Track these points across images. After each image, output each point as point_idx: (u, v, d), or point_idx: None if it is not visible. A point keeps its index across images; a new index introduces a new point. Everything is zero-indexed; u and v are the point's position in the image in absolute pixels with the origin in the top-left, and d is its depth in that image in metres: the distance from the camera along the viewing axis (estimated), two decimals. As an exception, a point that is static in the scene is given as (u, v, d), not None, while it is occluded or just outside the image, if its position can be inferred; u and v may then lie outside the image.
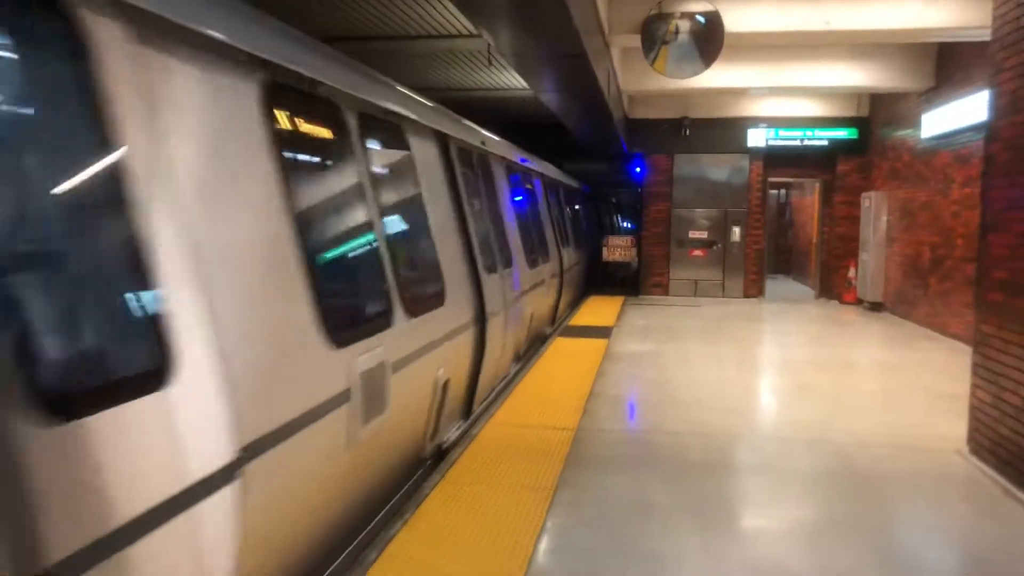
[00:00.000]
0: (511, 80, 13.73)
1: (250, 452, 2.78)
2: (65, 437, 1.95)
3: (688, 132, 16.30)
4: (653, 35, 9.30)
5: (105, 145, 2.31)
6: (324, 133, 4.19)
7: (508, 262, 8.12)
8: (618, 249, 17.83)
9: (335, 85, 4.10)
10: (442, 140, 6.37)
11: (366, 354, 3.93)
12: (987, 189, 5.65)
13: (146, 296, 2.39)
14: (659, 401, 7.39)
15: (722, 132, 16.24)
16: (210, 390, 2.59)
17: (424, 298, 5.22)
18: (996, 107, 5.52)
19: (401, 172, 5.42)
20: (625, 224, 22.25)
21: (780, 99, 15.76)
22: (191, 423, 2.47)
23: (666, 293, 16.68)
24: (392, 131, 5.19)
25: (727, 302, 15.93)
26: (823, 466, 5.55)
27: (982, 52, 10.45)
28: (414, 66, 12.69)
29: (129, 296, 2.41)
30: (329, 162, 4.28)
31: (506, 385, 7.90)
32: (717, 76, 11.73)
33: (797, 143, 16.04)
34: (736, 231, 16.46)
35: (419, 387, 4.96)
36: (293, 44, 3.77)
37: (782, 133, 16.06)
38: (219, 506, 2.58)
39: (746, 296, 16.47)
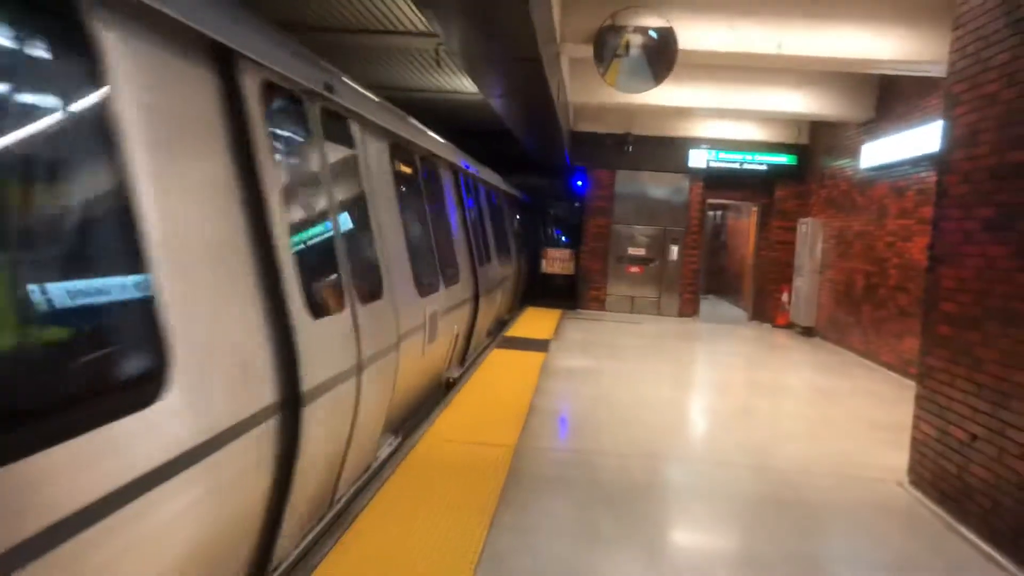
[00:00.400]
0: (459, 83, 13.47)
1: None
2: None
3: (631, 148, 16.29)
4: (605, 47, 9.16)
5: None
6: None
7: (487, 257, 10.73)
8: (557, 261, 17.71)
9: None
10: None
11: (429, 304, 6.47)
12: (939, 220, 5.63)
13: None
14: (601, 420, 7.19)
15: (664, 150, 16.29)
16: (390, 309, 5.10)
17: (451, 276, 7.84)
18: (952, 139, 5.50)
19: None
20: (562, 236, 22.17)
21: (723, 121, 15.89)
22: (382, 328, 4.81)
23: (603, 308, 16.60)
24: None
25: (663, 320, 15.94)
26: (769, 494, 5.42)
27: (922, 87, 10.69)
28: (358, 62, 12.32)
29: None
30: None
31: (443, 396, 7.61)
32: (663, 94, 11.71)
33: (737, 166, 16.19)
34: (674, 250, 16.50)
35: (448, 330, 7.46)
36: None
37: (723, 155, 16.18)
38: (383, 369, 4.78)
39: (681, 315, 16.52)
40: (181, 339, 2.58)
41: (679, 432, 7.29)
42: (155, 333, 2.48)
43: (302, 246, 3.84)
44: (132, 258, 2.44)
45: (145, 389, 2.42)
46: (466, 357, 9.35)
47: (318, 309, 3.80)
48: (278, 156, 3.70)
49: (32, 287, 2.18)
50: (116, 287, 2.47)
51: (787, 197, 16.07)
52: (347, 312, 4.26)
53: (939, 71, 9.36)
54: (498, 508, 4.69)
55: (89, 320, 2.38)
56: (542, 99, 9.46)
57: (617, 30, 9.04)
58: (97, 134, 2.39)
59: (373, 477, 5.12)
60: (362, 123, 5.05)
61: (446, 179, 8.62)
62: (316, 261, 4.07)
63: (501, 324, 12.53)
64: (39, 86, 2.30)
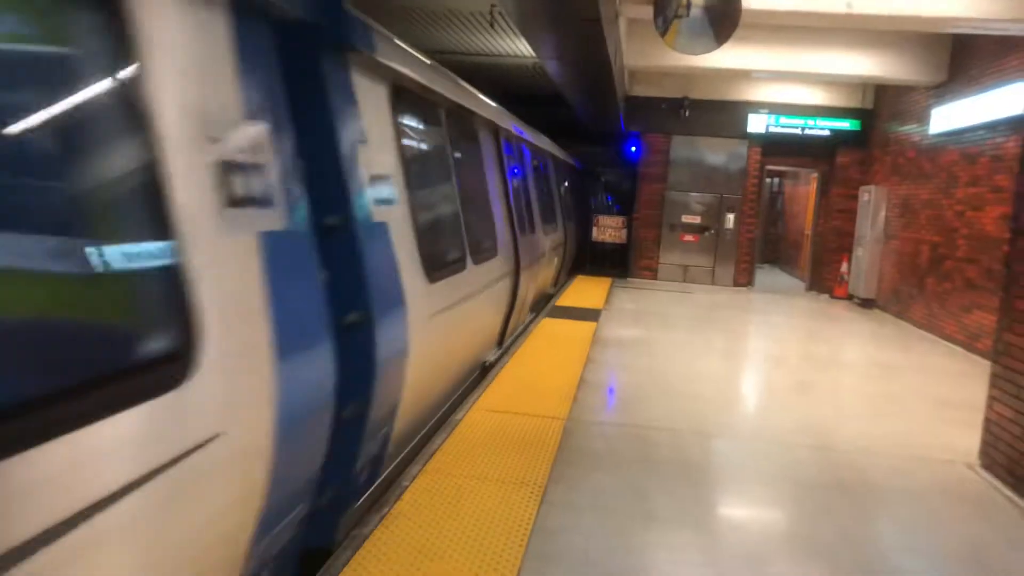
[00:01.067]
0: (512, 46, 13.19)
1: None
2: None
3: (688, 113, 15.82)
4: (666, 7, 8.82)
5: None
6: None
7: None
8: (609, 229, 17.41)
9: None
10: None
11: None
12: (1023, 189, 5.28)
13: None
14: (653, 393, 7.01)
15: (722, 115, 15.80)
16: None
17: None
18: (1041, 102, 5.13)
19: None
20: (615, 204, 21.82)
21: (783, 85, 15.33)
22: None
23: (655, 277, 16.30)
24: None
25: (717, 290, 15.60)
26: (830, 475, 5.20)
27: (1000, 47, 10.11)
28: (410, 24, 12.12)
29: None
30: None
31: (491, 367, 7.50)
32: (723, 56, 11.27)
33: (798, 131, 15.63)
34: (730, 218, 16.08)
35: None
36: None
37: (783, 120, 15.63)
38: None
39: (736, 285, 16.14)
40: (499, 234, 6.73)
41: (734, 407, 7.08)
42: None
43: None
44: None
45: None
46: (504, 338, 8.43)
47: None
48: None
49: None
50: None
51: (849, 164, 15.50)
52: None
53: (1020, 30, 8.84)
54: (548, 484, 4.57)
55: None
56: (599, 62, 9.17)
57: (678, -11, 8.68)
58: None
59: (421, 448, 5.04)
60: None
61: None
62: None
63: (548, 297, 12.35)
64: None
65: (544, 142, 12.01)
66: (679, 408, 6.55)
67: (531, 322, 10.08)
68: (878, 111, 14.98)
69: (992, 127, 10.15)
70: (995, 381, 5.43)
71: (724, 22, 8.74)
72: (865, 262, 14.19)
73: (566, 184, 16.14)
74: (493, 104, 8.18)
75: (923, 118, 12.53)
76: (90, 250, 2.03)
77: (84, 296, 2.10)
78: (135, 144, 2.18)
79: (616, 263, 17.18)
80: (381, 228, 4.00)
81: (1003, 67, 10.09)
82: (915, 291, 12.28)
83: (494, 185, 7.87)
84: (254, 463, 2.64)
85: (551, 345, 8.62)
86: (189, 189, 2.31)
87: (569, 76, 10.89)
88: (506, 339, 8.31)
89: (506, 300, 7.99)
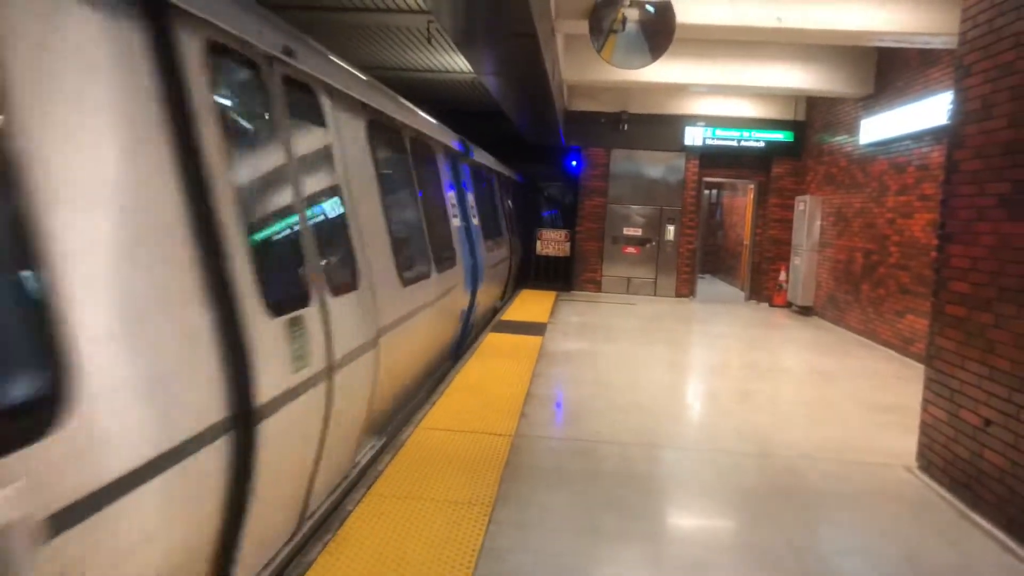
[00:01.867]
0: (450, 61, 13.20)
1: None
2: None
3: (626, 127, 16.04)
4: (601, 23, 8.91)
5: None
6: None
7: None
8: (552, 243, 17.46)
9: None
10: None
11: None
12: (949, 197, 5.44)
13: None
14: (599, 407, 7.02)
15: (660, 128, 16.04)
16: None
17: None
18: (962, 112, 5.30)
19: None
20: (557, 217, 21.92)
21: (718, 98, 15.66)
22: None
23: (599, 290, 16.42)
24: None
25: (659, 301, 15.77)
26: (772, 481, 5.27)
27: (923, 60, 10.47)
28: (347, 40, 12.03)
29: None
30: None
31: (436, 384, 7.43)
32: (659, 71, 11.48)
33: (734, 143, 15.96)
34: (671, 229, 16.30)
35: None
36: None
37: (719, 132, 15.94)
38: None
39: (678, 295, 16.35)
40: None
41: (678, 418, 7.13)
42: None
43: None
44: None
45: None
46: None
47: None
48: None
49: None
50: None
51: (784, 174, 15.87)
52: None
53: (941, 43, 9.17)
54: (496, 503, 4.52)
55: None
56: (537, 76, 9.22)
57: (613, 4, 8.78)
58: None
59: (365, 472, 4.94)
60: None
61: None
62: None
63: (495, 310, 12.40)
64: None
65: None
66: (625, 420, 6.57)
67: (476, 337, 10.03)
68: (810, 122, 15.37)
69: (918, 137, 10.49)
70: (929, 384, 5.57)
71: (659, 37, 8.87)
72: (802, 270, 14.50)
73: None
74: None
75: (853, 129, 12.89)
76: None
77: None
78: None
79: (560, 276, 17.25)
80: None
81: (927, 79, 10.44)
82: (851, 298, 12.59)
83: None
84: None
85: (497, 360, 8.58)
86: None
87: (508, 91, 10.92)
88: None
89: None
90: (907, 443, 6.02)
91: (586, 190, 16.49)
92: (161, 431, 2.40)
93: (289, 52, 3.75)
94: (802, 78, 12.55)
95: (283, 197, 3.69)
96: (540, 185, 21.46)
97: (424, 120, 7.41)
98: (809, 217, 14.39)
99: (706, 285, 18.89)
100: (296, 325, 3.43)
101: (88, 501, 2.05)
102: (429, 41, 11.37)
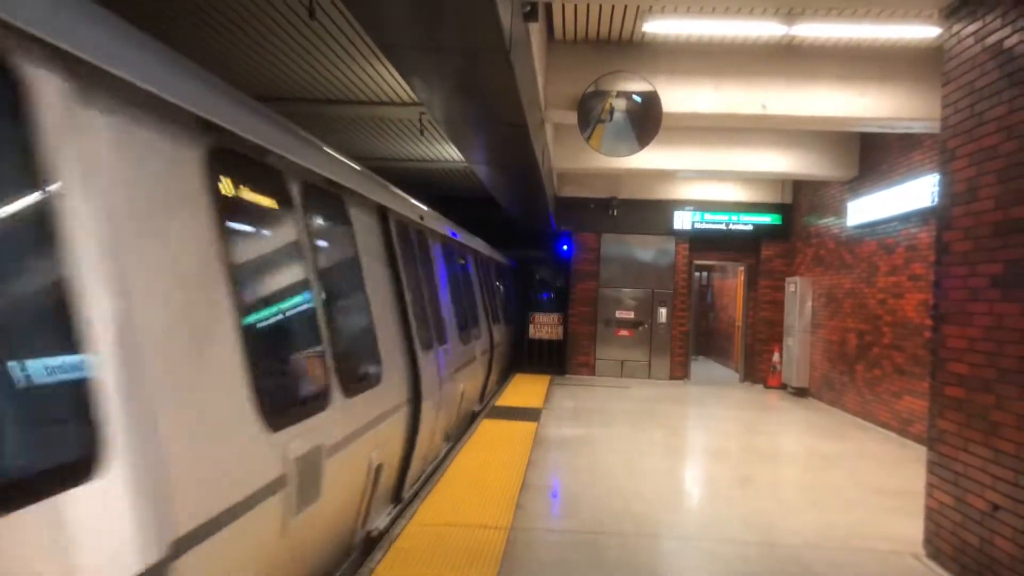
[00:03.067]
0: (442, 151, 13.45)
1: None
2: None
3: (616, 212, 16.25)
4: (589, 112, 9.11)
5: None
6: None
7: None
8: (545, 327, 17.45)
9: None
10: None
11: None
12: (941, 278, 5.46)
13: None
14: (598, 495, 6.86)
15: (649, 213, 16.26)
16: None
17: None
18: (950, 194, 5.37)
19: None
20: (549, 301, 21.96)
21: (706, 183, 15.92)
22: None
23: (593, 373, 16.32)
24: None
25: (654, 383, 15.66)
26: (779, 573, 5.10)
27: (905, 143, 10.71)
28: (341, 132, 12.26)
29: None
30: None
31: (433, 471, 7.27)
32: (647, 157, 11.65)
33: (722, 227, 16.17)
34: (662, 312, 16.32)
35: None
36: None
37: (708, 216, 16.17)
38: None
39: (672, 378, 16.25)
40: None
41: (680, 506, 6.97)
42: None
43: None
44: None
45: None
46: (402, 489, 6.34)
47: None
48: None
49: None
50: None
51: (773, 256, 16.02)
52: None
53: (922, 127, 9.38)
54: (494, 600, 4.35)
55: None
56: (527, 165, 9.37)
57: (601, 95, 8.99)
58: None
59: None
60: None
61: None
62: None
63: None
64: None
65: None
66: (625, 509, 6.41)
67: (471, 424, 9.88)
68: (797, 205, 15.61)
69: (905, 219, 10.63)
70: (932, 468, 5.48)
71: (646, 125, 9.06)
72: (796, 352, 14.48)
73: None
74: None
75: (840, 211, 13.08)
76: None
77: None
78: None
79: (554, 360, 17.15)
80: None
81: (910, 162, 10.66)
82: (846, 379, 12.53)
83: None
84: None
85: (492, 448, 8.43)
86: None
87: (499, 179, 11.09)
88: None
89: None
90: (913, 528, 5.88)
91: (578, 274, 16.58)
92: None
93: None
94: (788, 163, 12.80)
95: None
96: (532, 269, 21.59)
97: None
98: (800, 298, 14.46)
99: (700, 367, 18.82)
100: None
101: None
102: (421, 132, 11.60)
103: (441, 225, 8.72)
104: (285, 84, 9.72)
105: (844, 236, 12.92)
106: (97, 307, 2.13)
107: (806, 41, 8.78)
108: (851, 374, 12.32)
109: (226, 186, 3.15)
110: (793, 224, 15.75)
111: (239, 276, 3.10)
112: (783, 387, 15.16)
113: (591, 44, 9.15)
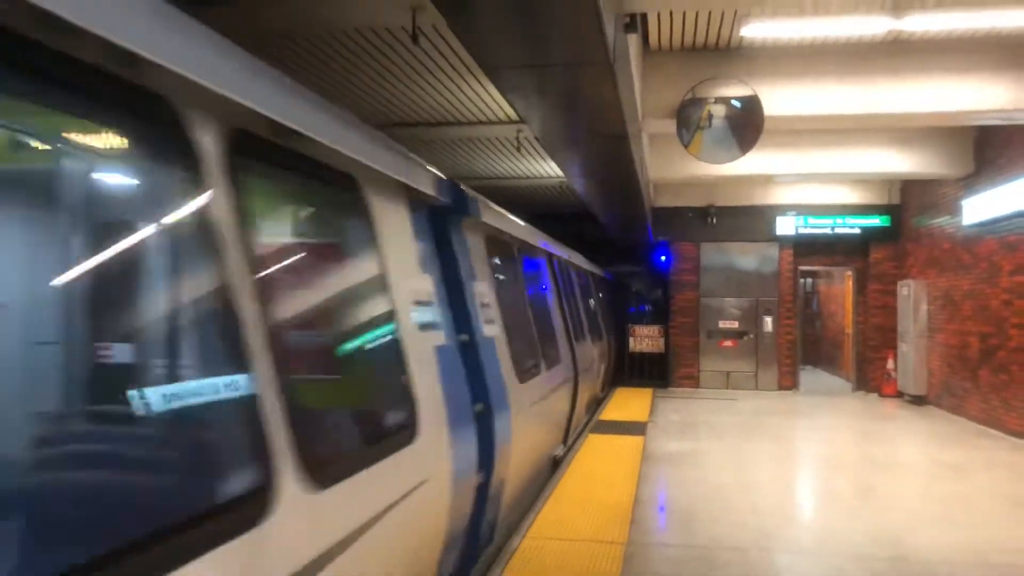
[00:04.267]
0: (539, 168, 13.54)
1: None
2: None
3: (714, 220, 15.96)
4: (688, 120, 9.01)
5: None
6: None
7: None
8: (645, 339, 17.26)
9: None
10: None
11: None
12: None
13: None
14: (712, 509, 6.72)
15: (749, 220, 15.91)
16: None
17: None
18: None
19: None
20: (649, 313, 21.74)
21: (809, 186, 15.45)
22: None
23: (697, 385, 16.02)
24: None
25: (761, 395, 15.26)
26: (914, 590, 4.88)
27: (1026, 136, 10.15)
28: (441, 153, 12.51)
29: None
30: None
31: (541, 489, 7.28)
32: (745, 163, 11.38)
33: (828, 231, 15.66)
34: (768, 321, 15.91)
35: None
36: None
37: (812, 221, 15.69)
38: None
39: (780, 388, 15.79)
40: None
41: (798, 519, 6.76)
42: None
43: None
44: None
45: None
46: (568, 436, 8.85)
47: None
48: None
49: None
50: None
51: (883, 259, 15.41)
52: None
53: (1045, 118, 8.89)
54: (617, 616, 4.31)
55: None
56: (626, 176, 9.34)
57: (699, 102, 8.89)
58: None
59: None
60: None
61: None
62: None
63: (598, 401, 12.04)
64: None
65: (576, 258, 12.04)
66: (741, 523, 6.26)
67: (578, 437, 9.86)
68: (906, 205, 14.99)
69: (1030, 215, 10.06)
70: (1079, 478, 5.14)
71: (747, 130, 8.90)
72: (912, 358, 13.85)
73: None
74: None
75: (954, 210, 12.49)
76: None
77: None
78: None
79: (656, 373, 16.92)
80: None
81: (1031, 155, 10.10)
82: (968, 385, 11.90)
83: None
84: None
85: (601, 463, 8.38)
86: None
87: (597, 191, 11.08)
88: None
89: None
90: (1059, 543, 5.53)
91: (677, 284, 16.35)
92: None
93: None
94: (896, 161, 12.31)
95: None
96: (630, 282, 21.44)
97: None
98: (914, 302, 13.84)
99: (808, 376, 18.23)
100: None
101: None
102: (519, 149, 11.71)
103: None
104: (386, 109, 9.99)
105: (960, 235, 12.32)
106: None
107: (915, 35, 8.46)
108: (974, 380, 11.69)
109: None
110: (902, 225, 15.11)
111: None
112: (899, 395, 14.52)
113: (687, 52, 9.06)
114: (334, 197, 3.27)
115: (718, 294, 16.14)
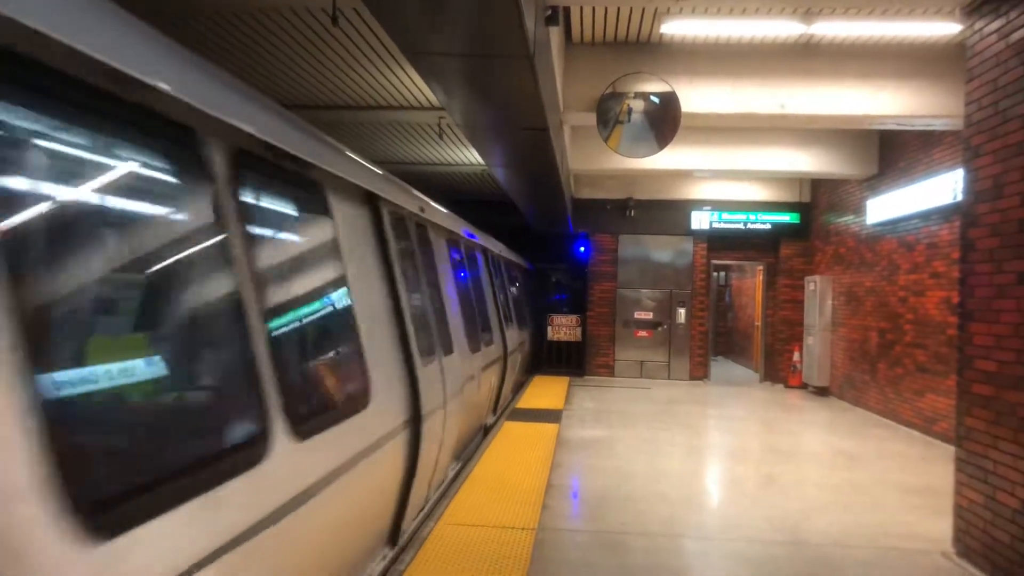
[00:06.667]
0: (460, 155, 13.50)
1: None
2: None
3: (633, 213, 16.24)
4: (607, 114, 9.13)
5: None
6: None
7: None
8: (563, 328, 17.47)
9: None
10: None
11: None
12: (967, 275, 5.45)
13: None
14: (622, 495, 6.88)
15: (666, 214, 16.25)
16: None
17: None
18: (974, 191, 5.36)
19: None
20: (567, 303, 21.99)
21: (724, 183, 15.90)
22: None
23: (612, 374, 16.32)
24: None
25: (674, 384, 15.64)
26: (806, 573, 5.11)
27: (925, 141, 10.67)
28: (361, 137, 12.35)
29: None
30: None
31: (456, 475, 7.31)
32: (664, 158, 11.62)
33: (740, 226, 16.13)
34: (681, 312, 16.31)
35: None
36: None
37: (725, 216, 16.13)
38: None
39: (692, 378, 16.22)
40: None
41: (704, 506, 6.98)
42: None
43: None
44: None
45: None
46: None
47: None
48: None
49: None
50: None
51: (792, 255, 15.96)
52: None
53: (942, 124, 9.35)
54: (525, 601, 4.38)
55: None
56: (546, 167, 9.40)
57: (618, 96, 9.01)
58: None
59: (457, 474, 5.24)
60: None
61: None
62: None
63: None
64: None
65: (494, 245, 12.03)
66: (650, 510, 6.43)
67: (494, 424, 9.92)
68: (816, 203, 15.56)
69: (926, 216, 10.58)
70: (961, 466, 5.46)
71: (664, 126, 9.07)
72: (816, 351, 14.42)
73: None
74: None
75: (859, 209, 13.03)
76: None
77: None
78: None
79: (573, 361, 17.18)
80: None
81: (930, 159, 10.61)
82: (868, 377, 12.47)
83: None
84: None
85: (515, 450, 8.46)
86: None
87: (518, 182, 11.12)
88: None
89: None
90: (941, 526, 5.86)
91: (595, 275, 16.59)
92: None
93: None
94: (806, 161, 12.77)
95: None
96: (550, 271, 21.61)
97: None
98: (820, 297, 14.40)
99: (719, 367, 18.78)
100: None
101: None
102: (441, 136, 11.66)
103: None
104: (306, 91, 9.81)
105: (864, 234, 12.87)
106: None
107: (824, 40, 8.77)
108: (873, 373, 12.26)
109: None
110: (812, 223, 15.69)
111: None
112: (804, 386, 15.11)
113: (609, 46, 9.17)
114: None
115: (634, 285, 16.45)
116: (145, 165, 2.46)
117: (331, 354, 4.12)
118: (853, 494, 7.27)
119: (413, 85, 9.49)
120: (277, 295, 3.24)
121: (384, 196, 4.84)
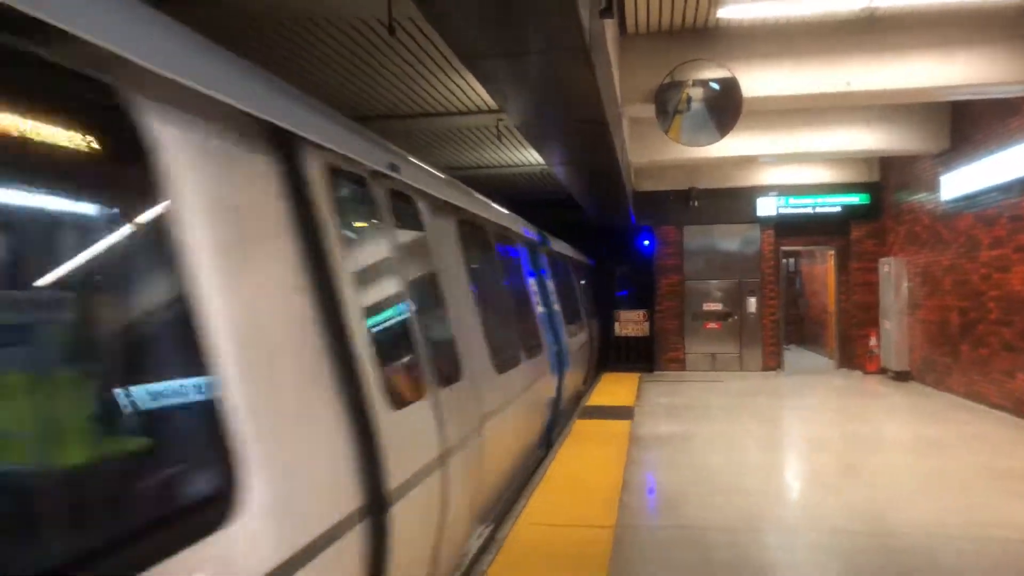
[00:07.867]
0: (519, 156, 13.51)
1: None
2: None
3: (696, 203, 16.01)
4: (666, 104, 9.02)
5: None
6: None
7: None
8: (630, 323, 17.32)
9: None
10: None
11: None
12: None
13: None
14: (700, 491, 6.78)
15: (731, 202, 15.97)
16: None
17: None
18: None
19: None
20: (633, 298, 21.83)
21: (789, 166, 15.53)
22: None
23: (683, 368, 16.12)
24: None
25: (746, 376, 15.36)
26: (897, 564, 4.94)
27: (1001, 110, 10.23)
28: (420, 145, 12.47)
29: None
30: None
31: (530, 475, 7.31)
32: (725, 145, 11.44)
33: (809, 210, 15.75)
34: (751, 302, 16.00)
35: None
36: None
37: (792, 201, 15.77)
38: None
39: (765, 369, 15.91)
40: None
41: (785, 498, 6.83)
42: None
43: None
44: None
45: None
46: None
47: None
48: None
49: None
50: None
51: (864, 237, 15.52)
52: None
53: (1021, 90, 8.96)
54: (608, 599, 4.35)
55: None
56: (607, 162, 9.33)
57: (677, 85, 8.90)
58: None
59: (469, 572, 4.83)
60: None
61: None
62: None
63: (579, 395, 12.04)
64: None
65: (559, 245, 12.00)
66: (730, 504, 6.32)
67: (565, 425, 9.90)
68: (886, 182, 15.09)
69: (1006, 189, 10.15)
70: (1058, 448, 5.22)
71: (725, 113, 8.92)
72: (894, 335, 13.98)
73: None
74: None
75: (932, 185, 12.59)
76: None
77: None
78: None
79: (641, 357, 16.99)
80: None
81: (1007, 129, 10.18)
82: (950, 360, 12.04)
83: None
84: None
85: (589, 448, 8.42)
86: None
87: (578, 178, 11.06)
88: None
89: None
90: (1040, 513, 5.62)
91: (661, 268, 16.41)
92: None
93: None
94: (874, 139, 12.39)
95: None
96: (613, 266, 21.48)
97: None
98: (895, 279, 13.96)
99: (792, 356, 18.36)
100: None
101: None
102: (499, 138, 11.69)
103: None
104: (366, 102, 9.94)
105: (939, 211, 12.42)
106: None
107: (888, 11, 8.49)
108: (955, 355, 11.82)
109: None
110: (883, 203, 15.22)
111: None
112: (882, 372, 14.67)
113: (664, 35, 9.06)
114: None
115: (702, 276, 16.22)
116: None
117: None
118: (941, 481, 7.01)
119: (470, 89, 9.54)
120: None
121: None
